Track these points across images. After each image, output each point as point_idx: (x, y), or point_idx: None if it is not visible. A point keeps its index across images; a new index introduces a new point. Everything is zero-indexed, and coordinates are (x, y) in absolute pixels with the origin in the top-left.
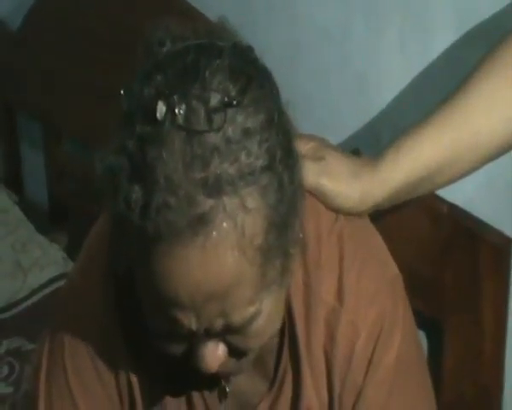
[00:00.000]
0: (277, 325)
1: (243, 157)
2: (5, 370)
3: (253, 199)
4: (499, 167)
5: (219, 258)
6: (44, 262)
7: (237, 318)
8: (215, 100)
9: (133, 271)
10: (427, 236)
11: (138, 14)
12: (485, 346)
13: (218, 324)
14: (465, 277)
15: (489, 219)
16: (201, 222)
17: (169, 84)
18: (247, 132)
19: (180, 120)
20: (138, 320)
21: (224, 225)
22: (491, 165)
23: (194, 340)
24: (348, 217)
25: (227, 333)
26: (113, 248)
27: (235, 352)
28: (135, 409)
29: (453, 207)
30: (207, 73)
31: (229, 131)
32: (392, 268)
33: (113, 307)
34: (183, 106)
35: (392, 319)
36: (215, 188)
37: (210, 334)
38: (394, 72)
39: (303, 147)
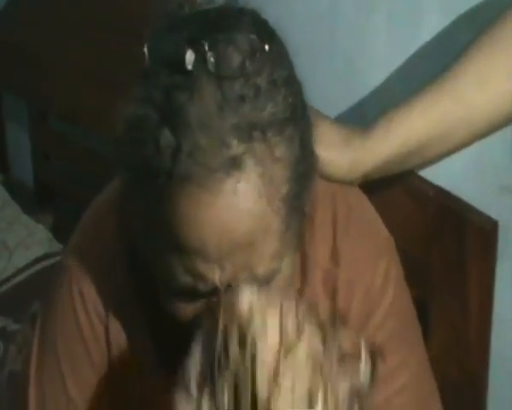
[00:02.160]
0: (291, 279)
1: (270, 107)
2: None
3: (280, 148)
4: (486, 149)
5: (248, 204)
6: (30, 242)
7: (261, 271)
8: (244, 47)
9: (149, 233)
10: (414, 218)
11: None
12: (470, 329)
13: (242, 277)
14: (451, 260)
15: (475, 201)
16: (233, 165)
17: (196, 33)
18: (274, 83)
19: (211, 67)
20: (151, 287)
21: (255, 170)
22: (478, 147)
23: (214, 295)
24: (340, 183)
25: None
26: (129, 210)
27: None
28: None
29: (439, 190)
30: (233, 24)
31: (258, 79)
32: (384, 231)
33: (126, 272)
34: (213, 53)
35: (385, 278)
36: (246, 133)
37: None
38: (382, 53)
39: None
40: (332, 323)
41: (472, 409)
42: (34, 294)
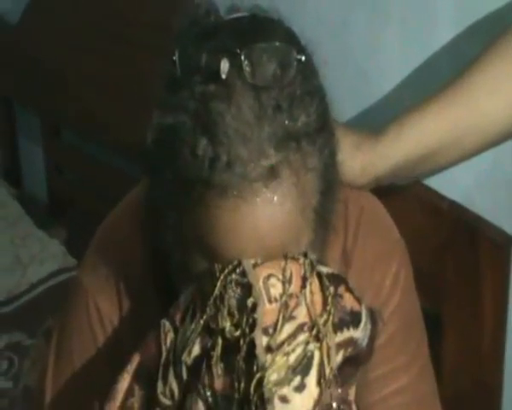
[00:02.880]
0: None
1: (304, 117)
2: (4, 365)
3: (312, 158)
4: (499, 163)
5: (284, 214)
6: (44, 257)
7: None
8: (279, 57)
9: (180, 243)
10: (427, 231)
11: (138, 7)
12: (484, 341)
13: None
14: (465, 273)
15: (489, 215)
16: (271, 175)
17: (231, 42)
18: (307, 93)
19: (247, 76)
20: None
21: (290, 180)
22: (491, 160)
23: None
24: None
25: None
26: (157, 220)
27: None
28: None
29: (453, 204)
30: (268, 34)
31: (293, 89)
32: (395, 233)
33: (143, 284)
34: (249, 62)
35: (394, 281)
36: (282, 143)
37: None
38: (395, 65)
39: None
40: (334, 281)
41: None
42: (49, 309)
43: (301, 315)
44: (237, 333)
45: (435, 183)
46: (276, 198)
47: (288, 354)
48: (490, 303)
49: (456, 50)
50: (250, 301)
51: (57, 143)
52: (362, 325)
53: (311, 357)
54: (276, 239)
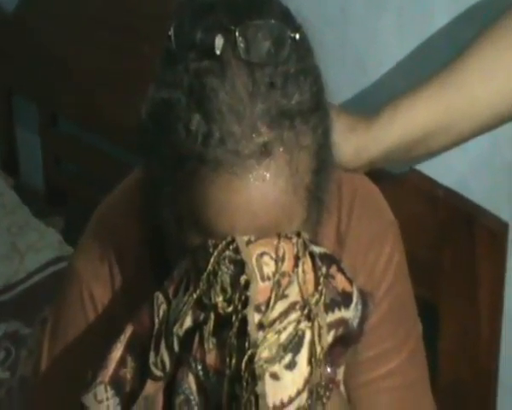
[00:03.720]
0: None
1: (297, 95)
2: (1, 354)
3: (305, 137)
4: (497, 150)
5: (276, 191)
6: (41, 246)
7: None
8: (273, 35)
9: (175, 219)
10: (424, 220)
11: None
12: (481, 330)
13: None
14: (461, 261)
15: (486, 202)
16: (264, 152)
17: (226, 19)
18: (301, 72)
19: (241, 53)
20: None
21: (283, 158)
22: (489, 147)
23: None
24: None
25: None
26: (153, 199)
27: None
28: None
29: (449, 191)
30: (263, 12)
31: (287, 67)
32: (389, 214)
33: (138, 267)
34: (243, 39)
35: (387, 262)
36: (276, 120)
37: None
38: (392, 53)
39: None
40: (326, 261)
41: (482, 408)
42: (46, 298)
43: (293, 294)
44: (230, 309)
45: (431, 170)
46: (268, 175)
47: (279, 332)
48: (486, 291)
49: (452, 38)
50: (243, 279)
51: (54, 132)
52: (353, 305)
53: (303, 336)
54: (268, 216)
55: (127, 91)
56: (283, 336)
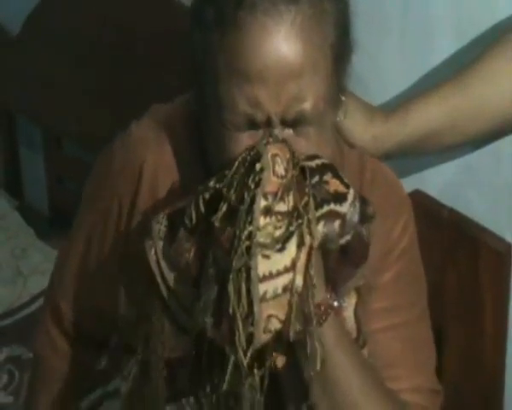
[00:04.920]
0: (327, 156)
1: None
2: (4, 378)
3: (328, 3)
4: (500, 171)
5: (303, 35)
6: (45, 268)
7: (308, 107)
8: None
9: (217, 67)
10: (428, 240)
11: (137, 17)
12: (485, 351)
13: (293, 109)
14: (466, 282)
15: (490, 223)
16: (292, 0)
17: None
18: None
19: None
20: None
21: (309, 9)
22: (492, 168)
23: (266, 132)
24: None
25: (297, 125)
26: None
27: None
28: None
29: (453, 212)
30: None
31: None
32: (404, 192)
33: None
34: None
35: (403, 229)
36: None
37: (284, 122)
38: (395, 76)
39: None
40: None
41: None
42: None
43: (292, 200)
44: (244, 194)
45: (435, 190)
46: (296, 20)
47: (276, 228)
48: (490, 312)
49: (454, 62)
50: (258, 166)
51: (58, 153)
52: (348, 202)
53: (293, 232)
54: (295, 58)
55: (129, 112)
56: (277, 233)
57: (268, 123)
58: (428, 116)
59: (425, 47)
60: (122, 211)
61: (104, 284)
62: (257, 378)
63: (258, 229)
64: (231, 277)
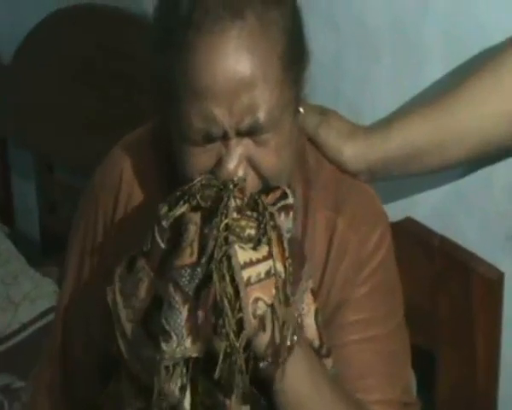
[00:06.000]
0: (287, 167)
1: None
2: None
3: (275, 13)
4: (492, 199)
5: (250, 48)
6: (36, 295)
7: (263, 116)
8: None
9: (171, 89)
10: (420, 268)
11: (127, 44)
12: (478, 378)
13: (247, 120)
14: (458, 309)
15: (481, 251)
16: (237, 15)
17: None
18: None
19: None
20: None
21: (255, 21)
22: (483, 196)
23: (223, 144)
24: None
25: (253, 134)
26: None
27: (254, 170)
28: None
29: (444, 240)
30: None
31: None
32: (382, 208)
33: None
34: None
35: (379, 242)
36: None
37: (239, 133)
38: (386, 102)
39: (310, 106)
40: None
41: None
42: (40, 349)
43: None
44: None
45: (426, 218)
46: (242, 34)
47: (247, 226)
48: (483, 339)
49: (445, 86)
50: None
51: (50, 180)
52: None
53: (264, 229)
54: (243, 68)
55: (121, 137)
56: (249, 231)
57: (224, 136)
58: (411, 134)
59: (415, 74)
60: (106, 222)
61: (95, 307)
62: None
63: (234, 220)
64: (214, 267)
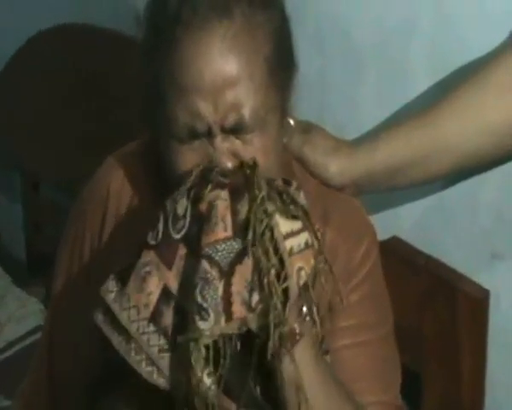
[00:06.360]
0: (273, 170)
1: None
2: None
3: (261, 16)
4: (477, 217)
5: (236, 48)
6: (21, 315)
7: (247, 113)
8: None
9: (158, 87)
10: (405, 287)
11: (115, 62)
12: (463, 396)
13: (232, 117)
14: (443, 328)
15: (467, 269)
16: (225, 11)
17: None
18: None
19: None
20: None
21: (243, 22)
22: (468, 215)
23: (210, 143)
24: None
25: (238, 133)
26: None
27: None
28: None
29: (430, 259)
30: None
31: None
32: (369, 221)
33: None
34: None
35: (366, 254)
36: None
37: (224, 130)
38: (371, 119)
39: (295, 122)
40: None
41: None
42: (26, 368)
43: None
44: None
45: (412, 237)
46: (228, 34)
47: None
48: (468, 357)
49: (429, 99)
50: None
51: (36, 199)
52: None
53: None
54: (230, 69)
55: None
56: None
57: (209, 132)
58: (395, 148)
59: (400, 91)
60: (93, 240)
61: (83, 323)
62: None
63: (269, 197)
64: (257, 240)
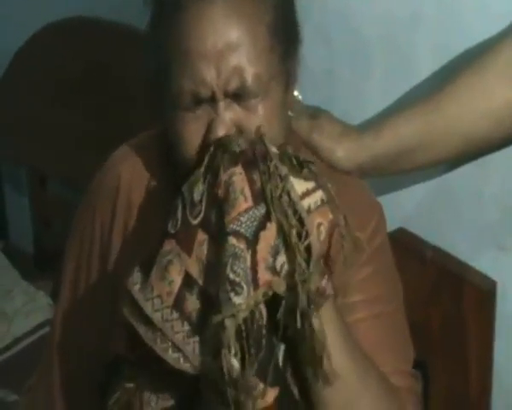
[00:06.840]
0: (277, 135)
1: None
2: None
3: None
4: (483, 210)
5: (238, 14)
6: (29, 309)
7: (250, 78)
8: None
9: (162, 58)
10: (412, 279)
11: (118, 59)
12: (470, 388)
13: (234, 82)
14: (450, 320)
15: (473, 261)
16: None
17: None
18: None
19: None
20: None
21: None
22: (475, 207)
23: (213, 109)
24: None
25: (241, 98)
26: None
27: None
28: None
29: (437, 251)
30: None
31: None
32: (376, 199)
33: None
34: None
35: (375, 229)
36: None
37: (227, 95)
38: (378, 113)
39: (304, 108)
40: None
41: None
42: (34, 363)
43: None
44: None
45: (419, 229)
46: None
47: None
48: (475, 349)
49: (433, 87)
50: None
51: (43, 194)
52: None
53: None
54: (231, 33)
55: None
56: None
57: (212, 98)
58: (400, 132)
59: (407, 85)
60: (104, 231)
61: (92, 317)
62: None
63: (281, 161)
64: (276, 205)
